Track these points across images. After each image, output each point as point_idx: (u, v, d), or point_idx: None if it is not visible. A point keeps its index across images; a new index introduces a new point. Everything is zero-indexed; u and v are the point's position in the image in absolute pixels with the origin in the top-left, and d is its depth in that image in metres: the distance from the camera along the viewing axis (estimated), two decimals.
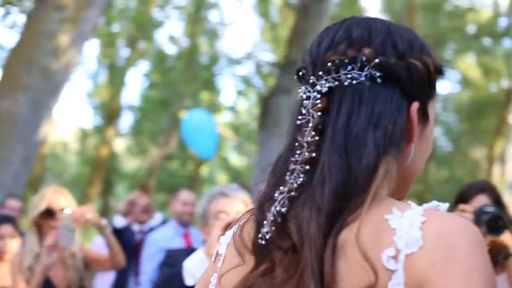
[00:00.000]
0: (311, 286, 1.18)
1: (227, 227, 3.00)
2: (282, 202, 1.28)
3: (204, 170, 25.62)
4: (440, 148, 27.31)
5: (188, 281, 3.10)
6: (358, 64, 1.30)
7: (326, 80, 1.31)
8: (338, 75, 1.30)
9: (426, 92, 1.37)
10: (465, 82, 26.04)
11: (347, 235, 1.20)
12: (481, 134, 25.76)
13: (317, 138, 1.29)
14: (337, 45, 1.33)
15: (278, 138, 11.60)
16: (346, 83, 1.30)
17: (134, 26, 17.33)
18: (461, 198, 3.80)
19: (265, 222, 1.30)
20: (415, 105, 1.33)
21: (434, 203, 1.24)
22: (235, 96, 24.76)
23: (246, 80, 20.81)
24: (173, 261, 3.42)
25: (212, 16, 22.94)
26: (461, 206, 3.45)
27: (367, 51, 1.30)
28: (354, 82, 1.30)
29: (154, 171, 21.58)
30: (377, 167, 1.24)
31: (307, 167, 1.28)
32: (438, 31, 21.45)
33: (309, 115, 1.31)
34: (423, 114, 1.37)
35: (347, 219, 1.22)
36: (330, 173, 1.24)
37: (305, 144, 1.30)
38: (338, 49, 1.32)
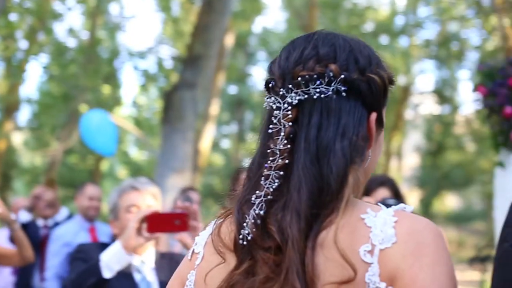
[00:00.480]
0: (296, 282, 1.32)
1: (143, 220, 3.09)
2: (260, 205, 1.42)
3: (104, 165, 25.30)
4: None
5: (105, 273, 3.14)
6: (326, 79, 1.44)
7: (296, 93, 1.45)
8: (307, 89, 1.44)
9: (381, 102, 1.54)
10: None
11: (324, 237, 1.35)
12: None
13: (289, 146, 1.43)
14: (306, 61, 1.46)
15: (182, 132, 11.61)
16: (315, 97, 1.44)
17: (34, 18, 16.94)
18: (363, 191, 4.01)
19: (245, 224, 1.43)
20: (373, 116, 1.50)
21: (402, 205, 1.43)
22: (136, 90, 24.53)
23: (148, 75, 20.69)
24: (85, 256, 3.44)
25: (113, 9, 22.72)
26: (365, 199, 3.68)
27: (333, 67, 1.45)
28: (322, 96, 1.44)
29: (54, 166, 21.16)
30: (346, 175, 1.39)
31: (281, 172, 1.42)
32: (337, 29, 21.85)
33: (280, 125, 1.44)
34: (379, 122, 1.54)
35: (324, 223, 1.37)
36: (305, 180, 1.39)
37: (278, 152, 1.43)
38: (307, 65, 1.45)
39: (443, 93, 25.02)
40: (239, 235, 1.44)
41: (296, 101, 1.45)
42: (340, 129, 1.43)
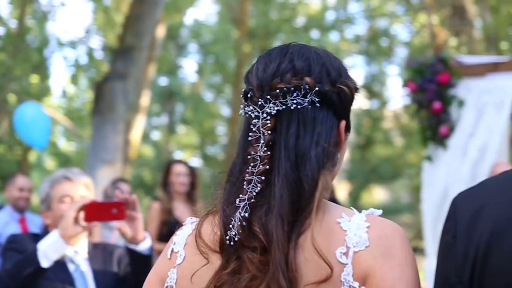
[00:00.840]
0: (281, 280, 1.43)
1: (81, 209, 3.09)
2: (244, 208, 1.52)
3: (32, 155, 24.83)
4: None
5: (43, 262, 3.14)
6: (302, 92, 1.56)
7: (274, 103, 1.56)
8: (285, 100, 1.55)
9: (349, 110, 1.68)
10: None
11: (304, 239, 1.48)
12: None
13: (268, 153, 1.54)
14: (284, 74, 1.57)
15: (112, 123, 11.51)
16: (292, 107, 1.55)
17: None
18: None
19: (231, 225, 1.52)
20: (343, 123, 1.63)
21: (371, 210, 1.57)
22: (66, 80, 24.12)
23: (78, 65, 20.38)
24: (18, 246, 3.41)
25: None
26: None
27: (308, 80, 1.56)
28: (299, 106, 1.55)
29: None
30: (318, 179, 1.52)
31: (263, 177, 1.53)
32: (268, 23, 22.02)
33: (260, 133, 1.56)
34: (347, 128, 1.67)
35: (303, 226, 1.49)
36: (287, 186, 1.51)
37: (258, 158, 1.54)
38: (284, 78, 1.57)
39: (372, 88, 25.43)
40: (226, 236, 1.53)
41: (275, 111, 1.55)
42: (315, 137, 1.55)
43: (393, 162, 26.58)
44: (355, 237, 1.47)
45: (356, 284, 1.44)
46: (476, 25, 20.15)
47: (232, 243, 1.52)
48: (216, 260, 1.56)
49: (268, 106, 1.56)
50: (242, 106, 1.64)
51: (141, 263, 3.35)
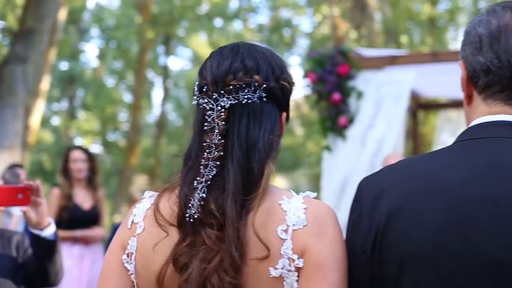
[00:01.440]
0: (234, 252, 1.64)
1: None
2: (202, 189, 1.72)
3: None
4: (171, 124, 27.85)
5: None
6: (252, 88, 1.78)
7: (228, 98, 1.77)
8: (237, 95, 1.77)
9: (289, 103, 1.90)
10: (197, 60, 26.81)
11: (251, 218, 1.70)
12: None
13: (222, 141, 1.75)
14: (236, 72, 1.78)
15: (12, 108, 11.17)
16: (243, 102, 1.77)
17: None
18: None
19: (190, 204, 1.71)
20: (284, 115, 1.87)
21: (308, 192, 1.79)
22: None
23: None
24: None
25: None
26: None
27: (257, 78, 1.78)
28: (249, 101, 1.77)
29: None
30: (264, 166, 1.75)
31: (218, 162, 1.73)
32: (172, 9, 21.84)
33: (214, 123, 1.76)
34: (287, 118, 1.90)
35: (251, 206, 1.70)
36: (239, 171, 1.72)
37: (213, 145, 1.75)
38: (237, 75, 1.78)
39: None
40: (186, 214, 1.72)
41: (228, 105, 1.76)
42: (262, 129, 1.78)
43: (293, 151, 26.96)
44: (294, 217, 1.69)
45: (295, 256, 1.67)
46: (376, 18, 20.63)
47: (191, 220, 1.71)
48: (173, 233, 1.75)
49: (222, 100, 1.77)
50: (196, 98, 1.83)
51: (45, 249, 3.37)
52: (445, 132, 10.66)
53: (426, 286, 1.52)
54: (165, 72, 26.25)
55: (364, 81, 7.16)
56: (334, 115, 7.02)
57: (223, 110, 1.77)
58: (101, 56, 26.17)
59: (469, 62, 1.66)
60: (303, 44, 25.05)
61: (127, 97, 26.28)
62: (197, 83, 1.84)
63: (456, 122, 10.65)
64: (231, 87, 1.77)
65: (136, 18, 21.60)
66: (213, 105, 1.78)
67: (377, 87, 7.16)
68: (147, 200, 1.87)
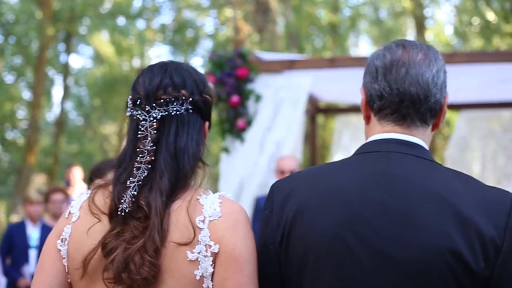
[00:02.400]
0: (156, 236, 1.89)
1: None
2: (134, 188, 1.96)
3: None
4: (72, 122, 27.35)
5: None
6: (180, 101, 2.04)
7: (159, 110, 2.02)
8: (167, 108, 2.02)
9: (211, 113, 2.17)
10: (99, 58, 26.42)
11: (175, 208, 1.95)
12: (112, 110, 26.30)
13: (154, 147, 2.00)
14: (166, 87, 2.04)
15: None
16: (173, 113, 2.03)
17: None
18: (95, 173, 4.21)
19: (123, 200, 1.95)
20: (207, 124, 2.14)
21: (223, 192, 2.03)
22: None
23: None
24: None
25: None
26: (97, 181, 3.87)
27: (184, 92, 2.05)
28: (178, 113, 2.03)
29: None
30: (194, 168, 2.04)
31: (149, 166, 1.98)
32: (74, 6, 21.43)
33: (147, 132, 2.01)
34: (209, 127, 2.18)
35: (176, 199, 1.97)
36: (166, 170, 1.98)
37: (146, 151, 1.99)
38: (167, 90, 2.03)
39: None
40: (118, 208, 1.96)
41: (160, 116, 2.02)
42: (190, 136, 2.04)
43: None
44: (210, 209, 1.94)
45: (212, 243, 1.91)
46: (278, 22, 20.88)
47: (123, 213, 1.95)
48: (105, 221, 1.99)
49: (154, 112, 2.02)
50: (130, 109, 2.07)
51: None
52: (344, 136, 10.91)
53: (325, 271, 1.82)
54: (65, 70, 25.70)
55: (263, 84, 7.23)
56: (233, 117, 7.07)
57: (155, 120, 2.02)
58: (0, 52, 25.42)
59: (367, 88, 1.96)
60: (206, 45, 25.08)
61: (26, 95, 25.59)
62: (130, 97, 2.09)
63: (355, 126, 10.92)
64: (161, 100, 2.02)
65: (36, 13, 21.06)
66: (146, 116, 2.02)
67: (276, 90, 7.24)
68: (84, 195, 2.13)
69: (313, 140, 10.50)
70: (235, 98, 7.01)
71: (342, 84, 8.93)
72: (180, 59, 25.07)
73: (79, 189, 9.37)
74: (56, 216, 8.40)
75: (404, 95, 1.89)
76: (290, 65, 7.31)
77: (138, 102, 2.04)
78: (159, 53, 25.63)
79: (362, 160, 1.92)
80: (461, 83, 8.49)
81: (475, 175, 9.36)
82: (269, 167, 7.13)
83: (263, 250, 1.96)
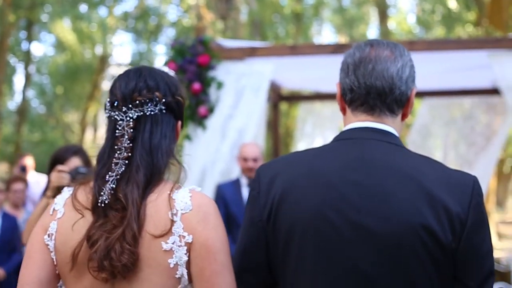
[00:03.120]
0: (134, 224, 2.05)
1: None
2: (113, 181, 2.14)
3: None
4: (34, 111, 27.06)
5: None
6: (154, 103, 2.23)
7: (135, 110, 2.21)
8: (142, 108, 2.21)
9: (183, 113, 2.35)
10: (61, 46, 26.13)
11: (151, 200, 2.12)
12: (75, 98, 26.09)
13: (131, 144, 2.18)
14: (141, 90, 2.23)
15: None
16: (147, 113, 2.22)
17: None
18: (57, 159, 4.20)
19: (102, 193, 2.13)
20: (179, 123, 2.33)
21: (193, 186, 2.19)
22: None
23: None
24: None
25: None
26: (59, 167, 3.93)
27: (158, 94, 2.24)
28: (152, 113, 2.22)
29: None
30: (167, 164, 2.21)
31: (126, 161, 2.16)
32: None
33: (124, 131, 2.19)
34: (182, 126, 2.36)
35: (151, 191, 2.14)
36: (142, 165, 2.15)
37: (123, 148, 2.18)
38: (142, 92, 2.22)
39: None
40: (99, 200, 2.13)
41: (135, 116, 2.21)
42: (163, 134, 2.23)
43: None
44: (181, 203, 2.11)
45: (186, 233, 2.07)
46: (242, 10, 20.82)
47: (103, 205, 2.12)
48: (88, 216, 2.15)
49: (130, 112, 2.21)
50: (108, 111, 2.25)
51: None
52: (308, 123, 10.92)
53: (309, 245, 2.04)
54: (27, 58, 25.41)
55: (224, 71, 7.19)
56: (194, 104, 7.03)
57: (131, 120, 2.20)
58: None
59: (341, 83, 2.21)
60: (169, 33, 24.94)
61: None
62: (108, 99, 2.27)
63: (318, 114, 10.95)
64: (137, 102, 2.21)
65: None
66: (123, 116, 2.21)
67: (237, 77, 7.21)
68: (66, 192, 2.30)
69: (276, 127, 10.51)
70: (196, 86, 6.97)
71: (305, 71, 8.94)
72: (142, 47, 24.95)
73: (32, 177, 9.27)
74: (16, 205, 8.32)
75: (371, 88, 2.13)
76: (252, 52, 7.28)
77: (115, 104, 2.24)
78: (122, 41, 25.41)
79: (340, 146, 2.14)
80: (422, 70, 8.55)
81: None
82: (231, 154, 7.11)
83: (251, 227, 2.18)
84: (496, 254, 10.61)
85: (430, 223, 1.96)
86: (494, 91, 9.13)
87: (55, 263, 2.19)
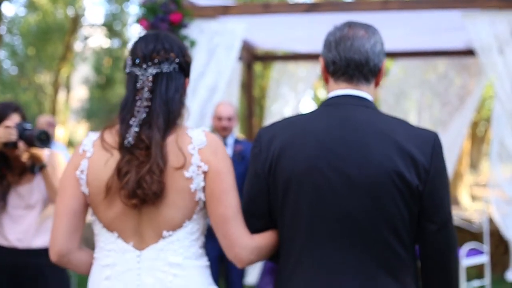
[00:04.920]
0: (159, 160, 2.48)
1: None
2: (136, 125, 2.54)
3: None
4: (6, 72, 26.72)
5: None
6: (169, 62, 2.64)
7: (154, 68, 2.62)
8: (160, 66, 2.62)
9: (189, 71, 2.76)
10: (32, 6, 25.72)
11: (170, 141, 2.54)
12: (47, 59, 25.77)
13: (150, 96, 2.59)
14: (159, 51, 2.64)
15: None
16: (164, 71, 2.63)
17: None
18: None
19: (127, 135, 2.52)
20: (187, 80, 2.75)
21: (203, 127, 2.63)
22: None
23: None
24: None
25: None
26: (6, 123, 4.22)
27: (172, 55, 2.65)
28: (168, 70, 2.64)
29: None
30: (179, 111, 2.62)
31: (147, 109, 2.57)
32: None
33: (144, 84, 2.59)
34: (189, 82, 2.77)
35: (170, 133, 2.56)
36: (161, 112, 2.56)
37: (144, 98, 2.58)
38: (159, 53, 2.63)
39: (113, 27, 25.05)
40: (125, 141, 2.53)
41: (154, 72, 2.61)
42: (176, 88, 2.64)
43: None
44: (197, 140, 2.56)
45: (202, 163, 2.52)
46: None
47: (129, 145, 2.52)
48: (115, 154, 2.56)
49: (150, 69, 2.61)
50: (129, 68, 2.64)
51: None
52: (283, 86, 10.88)
53: (304, 193, 2.44)
54: None
55: (197, 30, 7.12)
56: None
57: (150, 76, 2.60)
58: None
59: (324, 57, 2.62)
60: None
61: None
62: (130, 57, 2.66)
63: (292, 75, 10.90)
64: (156, 60, 2.62)
65: None
66: (143, 72, 2.61)
67: (210, 36, 7.16)
68: (92, 135, 2.68)
69: (249, 88, 10.47)
70: None
71: (278, 31, 8.87)
72: (115, 7, 24.63)
73: None
74: None
75: (350, 61, 2.55)
76: (224, 10, 7.20)
77: (137, 62, 2.63)
78: (94, 1, 25.05)
79: (327, 110, 2.55)
80: (396, 31, 8.54)
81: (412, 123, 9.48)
82: (201, 113, 7.09)
83: (255, 178, 2.58)
84: (469, 215, 10.72)
85: (401, 170, 2.39)
86: (468, 52, 9.14)
87: (86, 194, 2.60)
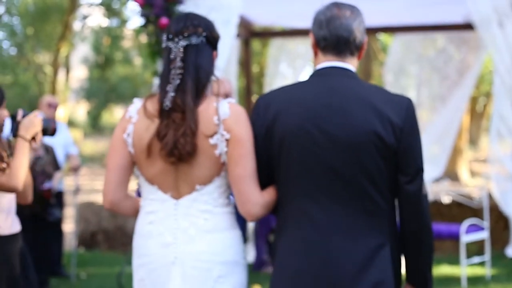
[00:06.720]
0: (192, 124, 2.80)
1: None
2: (172, 91, 2.84)
3: None
4: (5, 52, 26.67)
5: None
6: (197, 35, 2.92)
7: (184, 41, 2.90)
8: (189, 39, 2.90)
9: (217, 45, 3.05)
10: None
11: (202, 108, 2.85)
12: (46, 39, 25.69)
13: (182, 64, 2.87)
14: (188, 27, 2.93)
15: None
16: (193, 43, 2.91)
17: None
18: None
19: (165, 99, 2.83)
20: (215, 52, 3.02)
21: (229, 99, 2.91)
22: None
23: None
24: None
25: None
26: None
27: (200, 30, 2.94)
28: (196, 42, 2.92)
29: None
30: (209, 80, 2.93)
31: (180, 76, 2.87)
32: None
33: (176, 55, 2.88)
34: (216, 55, 3.07)
35: (201, 101, 2.87)
36: (192, 79, 2.86)
37: (177, 67, 2.87)
38: (188, 28, 2.92)
39: (112, 6, 24.93)
40: (163, 105, 2.84)
41: (185, 44, 2.90)
42: (205, 59, 2.94)
43: (132, 81, 26.50)
44: (222, 111, 2.84)
45: (225, 132, 2.82)
46: None
47: (166, 109, 2.83)
48: (156, 121, 2.87)
49: (181, 42, 2.89)
50: (165, 42, 2.94)
51: None
52: (282, 63, 10.83)
53: (295, 149, 2.80)
54: None
55: (192, 5, 7.08)
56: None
57: (181, 48, 2.89)
58: None
59: (315, 33, 2.92)
60: None
61: None
62: (165, 34, 2.96)
63: (290, 52, 10.84)
64: (185, 34, 2.90)
65: None
66: (176, 45, 2.90)
67: (206, 12, 7.01)
68: (137, 103, 2.99)
69: (247, 65, 10.41)
70: (164, 20, 6.83)
71: (276, 6, 8.81)
72: None
73: None
74: None
75: (340, 37, 2.88)
76: None
77: (170, 37, 2.93)
78: None
79: (314, 79, 2.91)
80: (394, 4, 8.48)
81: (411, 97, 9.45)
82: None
83: (255, 139, 2.89)
84: (469, 191, 10.71)
85: (379, 130, 2.77)
86: (467, 26, 9.07)
87: (132, 153, 2.94)
